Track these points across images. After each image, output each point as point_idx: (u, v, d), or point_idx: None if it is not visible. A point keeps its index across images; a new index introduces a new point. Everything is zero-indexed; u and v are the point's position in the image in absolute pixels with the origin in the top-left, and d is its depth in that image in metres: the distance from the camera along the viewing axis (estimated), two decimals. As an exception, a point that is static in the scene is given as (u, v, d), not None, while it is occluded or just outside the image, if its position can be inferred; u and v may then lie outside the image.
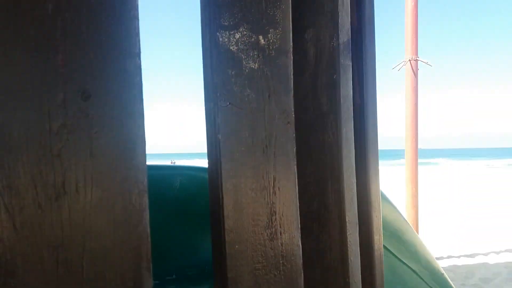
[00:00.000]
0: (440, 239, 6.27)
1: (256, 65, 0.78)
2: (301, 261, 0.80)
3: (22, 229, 0.44)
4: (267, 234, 0.75)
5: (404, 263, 1.95)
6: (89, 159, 0.51)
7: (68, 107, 0.50)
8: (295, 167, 0.82)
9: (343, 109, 0.96)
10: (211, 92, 0.72)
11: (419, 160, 6.21)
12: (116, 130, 0.54)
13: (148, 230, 0.55)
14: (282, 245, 0.77)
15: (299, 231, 0.80)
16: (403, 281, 1.92)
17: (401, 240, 1.97)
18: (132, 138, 0.55)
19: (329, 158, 0.95)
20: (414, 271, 1.98)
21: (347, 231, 0.93)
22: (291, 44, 0.85)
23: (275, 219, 0.76)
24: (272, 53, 0.81)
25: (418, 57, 6.05)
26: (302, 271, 0.79)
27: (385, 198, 1.74)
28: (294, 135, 0.82)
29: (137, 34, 0.58)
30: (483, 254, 5.52)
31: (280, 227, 0.77)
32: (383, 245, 1.25)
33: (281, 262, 0.76)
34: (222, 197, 0.69)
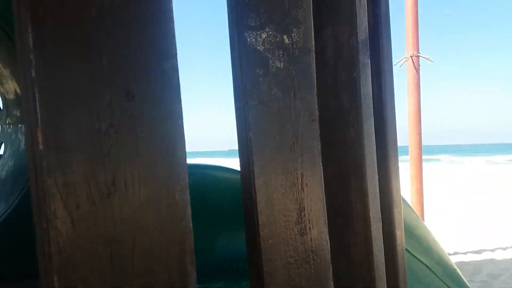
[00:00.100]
0: (446, 235, 6.27)
1: (282, 64, 0.80)
2: (330, 255, 0.81)
3: (79, 225, 0.46)
4: (297, 229, 0.76)
5: (418, 259, 1.96)
6: (135, 157, 0.52)
7: (115, 108, 0.52)
8: (321, 163, 0.83)
9: (363, 106, 0.98)
10: (241, 92, 0.73)
11: (422, 157, 6.22)
12: (158, 130, 0.55)
13: (191, 225, 0.57)
14: (311, 240, 0.78)
15: (327, 226, 0.82)
16: (417, 277, 1.93)
17: (413, 235, 1.98)
18: (173, 137, 0.57)
19: (351, 155, 0.96)
20: (427, 266, 2.00)
21: (371, 226, 0.95)
22: (313, 43, 0.87)
23: (304, 214, 0.78)
24: (296, 52, 0.83)
25: (419, 53, 6.06)
26: (330, 265, 0.81)
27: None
28: (318, 132, 0.84)
29: (173, 36, 0.59)
30: (490, 251, 5.52)
31: (309, 222, 0.78)
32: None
33: (311, 256, 0.78)
34: (255, 193, 0.70)
